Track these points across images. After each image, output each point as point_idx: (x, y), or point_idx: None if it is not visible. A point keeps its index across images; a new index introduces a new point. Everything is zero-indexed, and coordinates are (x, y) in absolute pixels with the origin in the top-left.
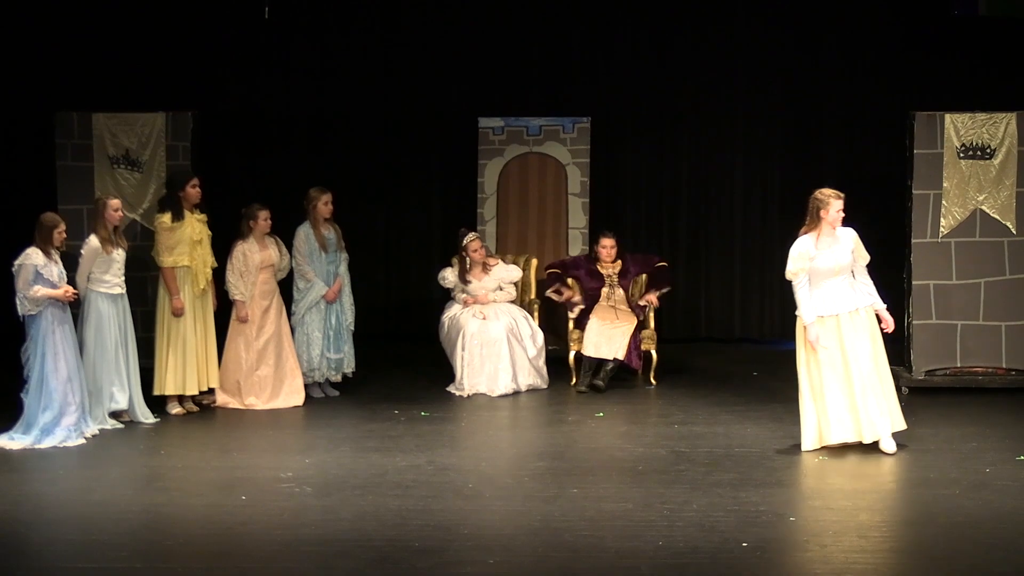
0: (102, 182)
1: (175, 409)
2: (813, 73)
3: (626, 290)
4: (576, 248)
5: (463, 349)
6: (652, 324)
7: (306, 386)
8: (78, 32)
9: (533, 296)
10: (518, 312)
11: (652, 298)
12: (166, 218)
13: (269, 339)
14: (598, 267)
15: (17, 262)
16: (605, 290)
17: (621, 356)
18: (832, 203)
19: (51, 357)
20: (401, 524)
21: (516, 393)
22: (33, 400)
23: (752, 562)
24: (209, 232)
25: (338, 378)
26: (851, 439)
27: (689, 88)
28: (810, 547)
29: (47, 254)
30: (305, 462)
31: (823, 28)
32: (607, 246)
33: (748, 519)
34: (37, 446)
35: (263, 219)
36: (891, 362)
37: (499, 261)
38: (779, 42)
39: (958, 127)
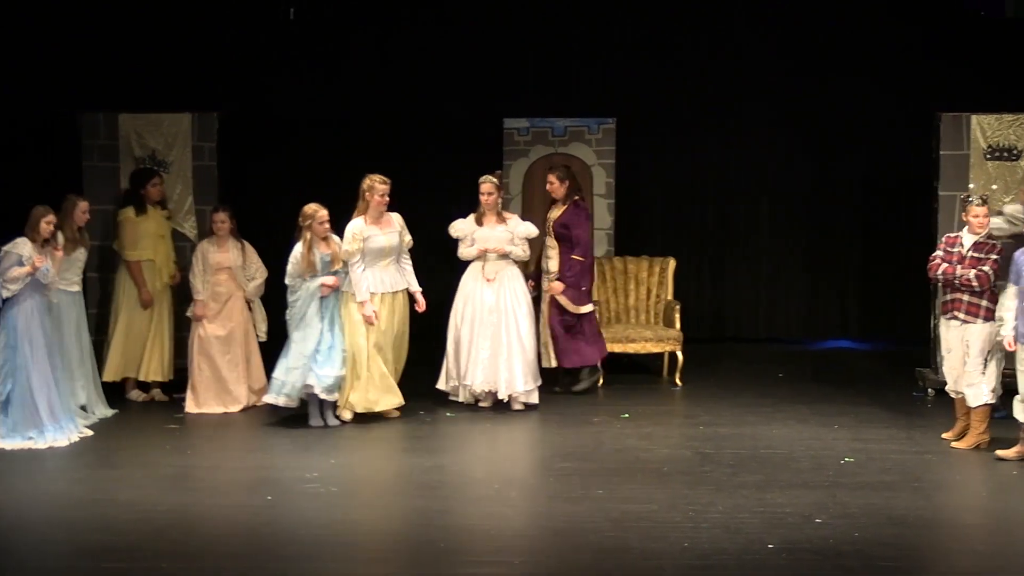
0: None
1: (139, 396)
2: (839, 74)
3: (555, 239)
4: (601, 249)
5: (470, 343)
6: (678, 324)
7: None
8: (104, 33)
9: None
10: (522, 292)
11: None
12: (129, 212)
13: (216, 341)
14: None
15: (5, 248)
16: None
17: (554, 364)
18: (377, 187)
19: (23, 350)
20: (426, 524)
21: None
22: (15, 394)
23: (777, 564)
24: (171, 228)
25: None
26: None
27: (715, 89)
28: (835, 549)
29: (36, 243)
30: (330, 462)
31: (849, 29)
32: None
33: (774, 521)
34: (35, 446)
35: (215, 221)
36: (917, 364)
37: (515, 216)
38: (805, 43)
39: (984, 128)
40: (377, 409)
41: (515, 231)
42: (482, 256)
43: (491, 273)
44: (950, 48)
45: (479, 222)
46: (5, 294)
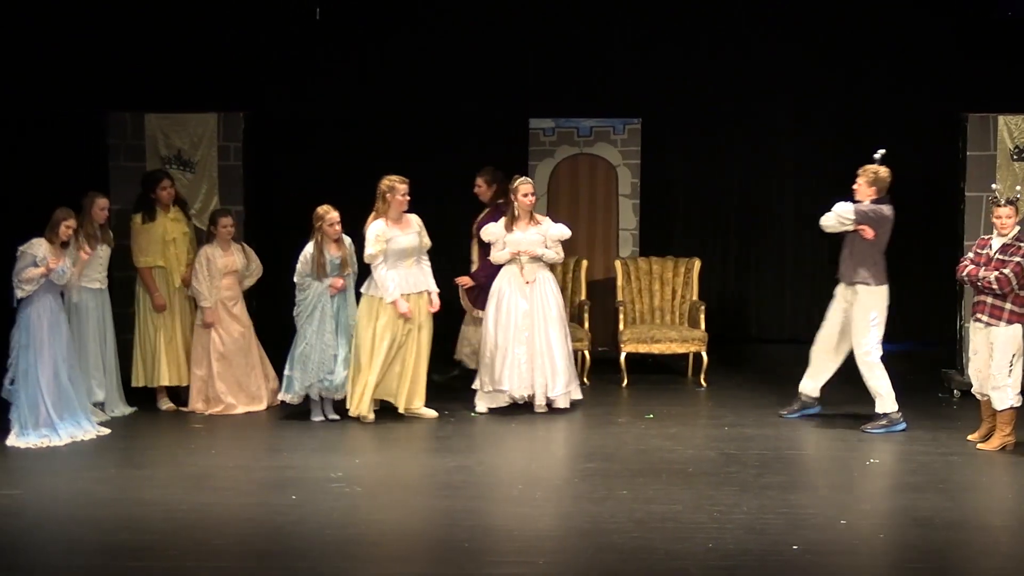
0: None
1: (167, 405)
2: (865, 74)
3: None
4: (626, 250)
5: (506, 348)
6: (703, 325)
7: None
8: (131, 33)
9: (584, 296)
10: (553, 296)
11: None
12: (136, 219)
13: (233, 345)
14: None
15: (21, 248)
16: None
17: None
18: (398, 187)
19: (35, 349)
20: (451, 524)
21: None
22: (23, 394)
23: (802, 565)
24: (186, 230)
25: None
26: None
27: (740, 89)
28: (860, 550)
29: (54, 245)
30: (355, 462)
31: (876, 29)
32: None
33: (798, 522)
34: (53, 443)
35: (223, 225)
36: (943, 365)
37: (547, 218)
38: (831, 42)
39: (1011, 129)
40: (387, 397)
41: (547, 234)
42: (515, 259)
43: (530, 275)
44: (978, 48)
45: (510, 225)
46: (20, 294)
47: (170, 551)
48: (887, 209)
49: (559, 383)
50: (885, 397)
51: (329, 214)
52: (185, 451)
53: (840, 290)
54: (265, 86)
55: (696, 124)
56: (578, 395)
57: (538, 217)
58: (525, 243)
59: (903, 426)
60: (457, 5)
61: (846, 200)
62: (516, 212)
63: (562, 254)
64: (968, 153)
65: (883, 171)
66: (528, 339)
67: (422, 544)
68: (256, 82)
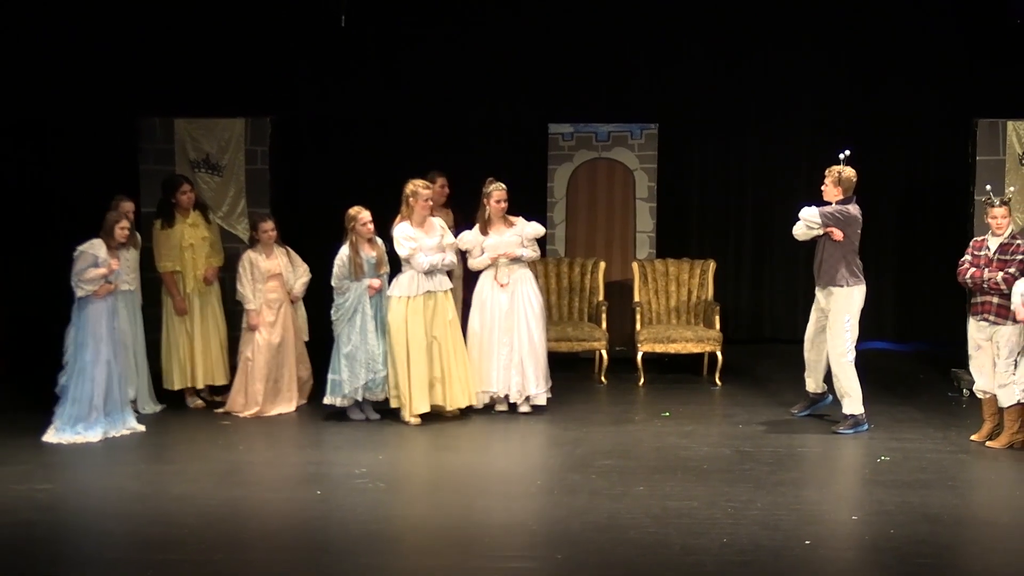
0: None
1: (195, 403)
2: (878, 79)
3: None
4: (643, 252)
5: (489, 348)
6: (718, 325)
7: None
8: (160, 39)
9: (602, 297)
10: (534, 293)
11: None
12: (157, 224)
13: (274, 348)
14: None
15: (80, 248)
16: None
17: None
18: (421, 192)
19: (92, 347)
20: (471, 520)
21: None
22: (73, 389)
23: (814, 560)
24: (206, 234)
25: None
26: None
27: (755, 94)
28: (871, 546)
29: (110, 247)
30: (379, 458)
31: (886, 35)
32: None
33: (811, 518)
34: (87, 439)
35: (263, 230)
36: (953, 365)
37: (520, 218)
38: (844, 49)
39: (1020, 134)
40: (430, 407)
41: (523, 233)
42: (494, 263)
43: (504, 278)
44: (987, 54)
45: (485, 230)
46: (80, 293)
47: (199, 544)
48: (853, 209)
49: (540, 381)
50: (854, 398)
51: (361, 214)
52: (213, 447)
53: (817, 293)
54: (291, 91)
55: (711, 129)
56: (547, 395)
57: (511, 218)
58: (503, 246)
59: (866, 427)
60: (478, 11)
61: (811, 205)
62: (488, 215)
63: (538, 251)
64: (977, 157)
65: (848, 171)
66: (509, 340)
67: (442, 539)
68: (282, 87)
